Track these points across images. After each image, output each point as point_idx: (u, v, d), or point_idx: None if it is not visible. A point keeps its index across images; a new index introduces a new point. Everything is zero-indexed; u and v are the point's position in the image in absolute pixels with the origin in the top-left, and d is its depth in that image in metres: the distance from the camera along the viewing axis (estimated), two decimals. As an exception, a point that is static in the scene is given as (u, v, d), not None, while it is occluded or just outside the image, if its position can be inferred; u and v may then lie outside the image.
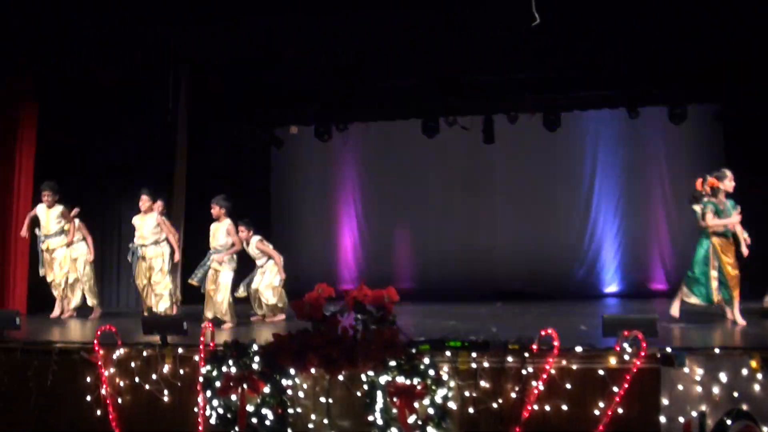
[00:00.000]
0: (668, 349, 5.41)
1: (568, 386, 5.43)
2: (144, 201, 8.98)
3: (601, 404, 5.38)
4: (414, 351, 5.41)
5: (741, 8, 9.51)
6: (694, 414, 5.34)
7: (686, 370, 5.35)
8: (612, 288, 13.10)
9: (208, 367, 5.67)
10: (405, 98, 12.25)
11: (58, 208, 9.19)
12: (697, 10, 9.73)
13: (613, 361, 5.42)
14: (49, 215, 9.15)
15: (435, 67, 11.25)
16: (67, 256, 9.23)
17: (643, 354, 5.34)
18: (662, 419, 5.35)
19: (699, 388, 5.37)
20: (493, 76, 11.67)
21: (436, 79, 11.68)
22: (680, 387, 5.36)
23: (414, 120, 12.69)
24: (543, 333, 5.54)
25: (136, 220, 9.08)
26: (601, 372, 5.42)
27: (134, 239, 9.08)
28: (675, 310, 7.71)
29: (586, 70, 11.42)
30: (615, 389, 5.35)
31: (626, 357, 5.40)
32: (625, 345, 5.46)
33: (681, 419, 5.34)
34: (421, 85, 11.92)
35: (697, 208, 7.82)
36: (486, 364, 5.54)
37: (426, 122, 12.57)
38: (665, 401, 5.36)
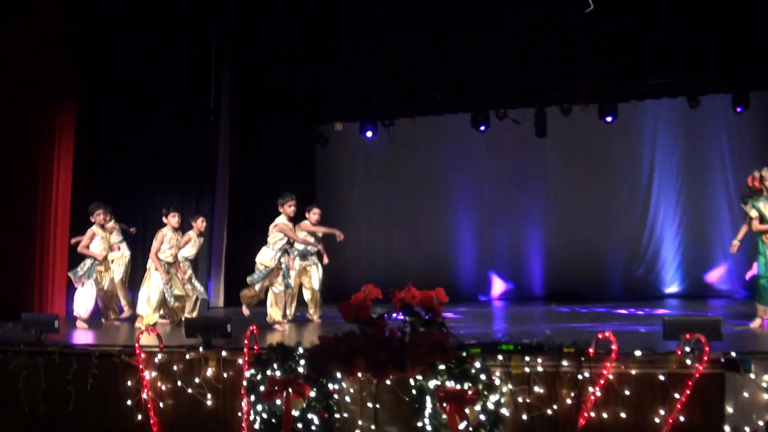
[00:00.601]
0: (733, 354, 5.34)
1: (627, 392, 5.40)
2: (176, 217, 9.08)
3: (662, 412, 5.35)
4: (464, 354, 5.41)
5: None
6: (761, 423, 5.27)
7: (752, 375, 5.27)
8: (673, 288, 13.01)
9: (253, 371, 5.74)
10: (454, 91, 12.32)
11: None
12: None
13: (674, 365, 5.39)
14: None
15: (484, 58, 11.31)
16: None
17: (706, 358, 5.27)
18: (726, 429, 5.28)
19: (766, 396, 5.29)
20: (545, 66, 11.68)
21: (485, 70, 11.74)
22: (746, 394, 5.28)
23: (463, 114, 12.78)
24: (600, 336, 5.51)
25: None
26: (661, 377, 5.38)
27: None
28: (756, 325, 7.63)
29: (643, 57, 11.33)
30: (676, 396, 5.30)
31: (688, 362, 5.35)
32: (687, 349, 5.41)
33: (747, 429, 5.27)
34: (470, 78, 11.97)
35: (747, 209, 7.72)
36: (540, 369, 5.55)
37: (475, 116, 12.63)
38: (730, 409, 5.29)
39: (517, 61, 11.36)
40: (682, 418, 5.31)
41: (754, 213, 7.58)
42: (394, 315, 5.63)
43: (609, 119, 12.15)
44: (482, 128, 12.63)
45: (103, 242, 9.07)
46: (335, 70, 11.95)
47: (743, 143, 12.81)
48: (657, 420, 5.37)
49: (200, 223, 9.43)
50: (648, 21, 10.54)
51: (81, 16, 10.52)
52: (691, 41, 10.77)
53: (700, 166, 13.15)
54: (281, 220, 8.87)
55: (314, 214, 9.45)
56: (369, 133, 13.18)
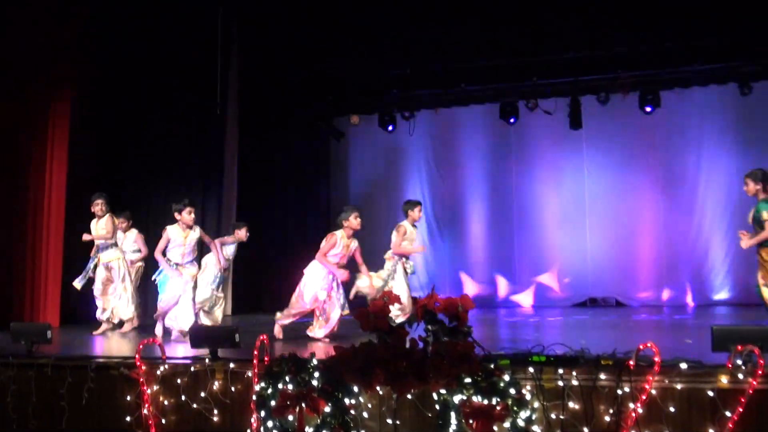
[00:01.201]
0: None
1: (672, 409, 5.32)
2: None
3: (711, 431, 5.26)
4: (492, 366, 5.34)
5: None
6: None
7: None
8: (722, 295, 12.88)
9: (263, 384, 5.67)
10: (480, 80, 12.28)
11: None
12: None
13: (724, 380, 5.28)
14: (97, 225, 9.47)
15: (513, 43, 11.26)
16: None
17: (760, 372, 5.18)
18: None
19: None
20: (579, 52, 11.62)
21: (514, 56, 11.68)
22: None
23: (490, 104, 12.73)
24: (641, 347, 5.44)
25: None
26: (710, 393, 5.28)
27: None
28: None
29: (689, 40, 11.24)
30: (727, 414, 5.21)
31: (740, 376, 5.25)
32: (739, 361, 5.32)
33: None
34: (497, 65, 11.93)
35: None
36: (575, 383, 5.48)
37: (504, 106, 12.60)
38: None
39: (549, 45, 11.30)
40: (733, 438, 5.22)
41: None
42: (416, 324, 5.61)
43: (649, 109, 12.07)
44: (512, 120, 12.59)
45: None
46: (350, 59, 11.95)
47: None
48: (706, 439, 5.30)
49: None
50: None
51: (82, 1, 10.58)
52: (743, 20, 10.61)
53: (753, 161, 12.97)
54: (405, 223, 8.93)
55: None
56: (390, 127, 13.20)
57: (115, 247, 9.50)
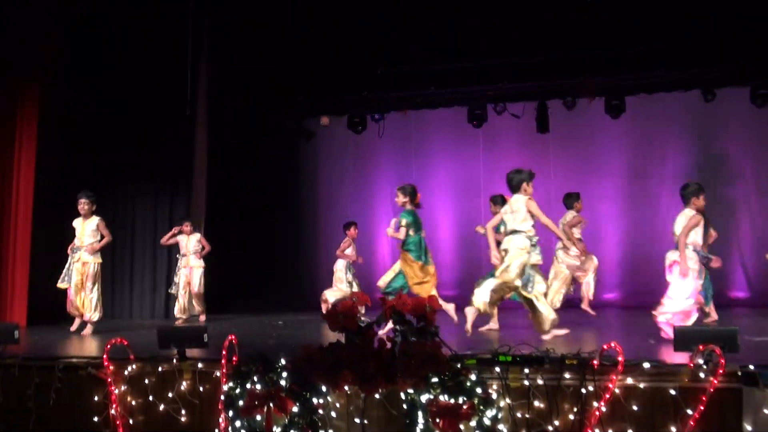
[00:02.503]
0: (751, 367, 5.30)
1: (635, 407, 5.38)
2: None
3: (673, 429, 5.32)
4: (459, 366, 5.37)
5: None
6: None
7: None
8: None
9: (231, 384, 5.65)
10: (449, 83, 12.34)
11: (95, 220, 9.49)
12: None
13: (686, 379, 5.37)
14: (84, 227, 9.37)
15: (482, 47, 11.32)
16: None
17: (721, 372, 5.25)
18: None
19: None
20: (547, 56, 11.70)
21: (483, 61, 11.75)
22: (766, 411, 5.24)
23: (459, 107, 12.79)
24: (605, 347, 5.50)
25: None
26: (672, 392, 5.35)
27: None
28: None
29: (654, 46, 11.36)
30: (689, 412, 5.28)
31: (702, 375, 5.33)
32: (700, 361, 5.39)
33: None
34: (466, 69, 11.99)
35: None
36: (540, 382, 5.52)
37: (472, 110, 12.66)
38: (748, 427, 5.26)
39: (517, 50, 11.37)
40: (695, 436, 5.28)
41: None
42: (384, 324, 5.62)
43: (615, 114, 12.20)
44: (479, 123, 12.65)
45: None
46: (320, 60, 11.93)
47: (765, 140, 12.89)
48: (668, 437, 5.35)
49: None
50: (659, 5, 10.55)
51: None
52: (708, 27, 10.78)
53: (715, 167, 13.20)
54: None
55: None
56: (359, 128, 13.22)
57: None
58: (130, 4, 10.90)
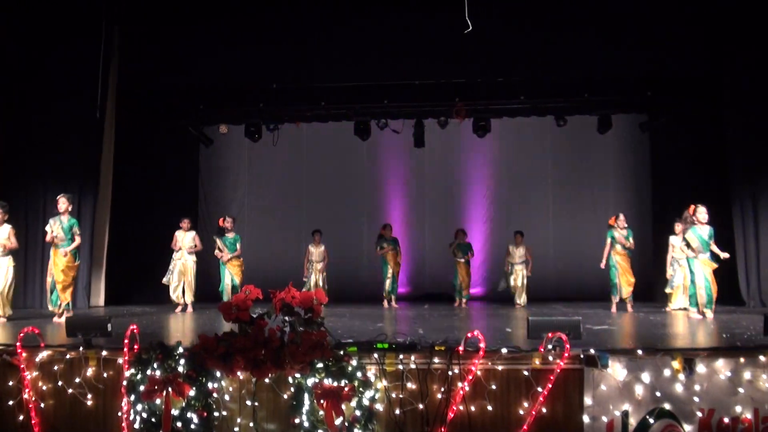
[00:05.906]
0: (592, 351, 5.67)
1: (494, 387, 5.65)
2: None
3: (526, 404, 5.62)
4: (342, 353, 5.53)
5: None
6: (617, 413, 5.63)
7: (610, 370, 5.63)
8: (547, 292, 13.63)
9: (133, 370, 5.66)
10: (337, 100, 12.57)
11: (6, 228, 9.38)
12: (624, 24, 10.74)
13: (537, 362, 5.68)
14: None
15: (368, 69, 11.60)
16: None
17: (566, 355, 5.59)
18: (585, 419, 5.62)
19: (622, 388, 5.67)
20: (424, 80, 12.10)
21: (368, 81, 12.02)
22: (603, 387, 5.63)
23: (346, 122, 13.11)
24: (469, 335, 5.75)
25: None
26: (525, 373, 5.65)
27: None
28: None
29: (514, 78, 12.04)
30: (539, 389, 5.60)
31: (550, 358, 5.65)
32: (550, 346, 5.71)
33: (604, 418, 5.62)
34: (354, 87, 12.24)
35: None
36: (413, 366, 5.70)
37: (358, 124, 12.98)
38: (588, 401, 5.62)
39: (399, 73, 11.69)
40: (544, 410, 5.60)
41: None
42: (274, 316, 5.70)
43: (481, 134, 12.90)
44: (365, 137, 13.06)
45: None
46: (221, 73, 11.91)
47: (607, 161, 14.24)
48: (521, 412, 5.64)
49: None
50: (523, 43, 11.20)
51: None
52: (561, 64, 11.50)
53: (565, 180, 14.42)
54: None
55: None
56: (255, 137, 13.38)
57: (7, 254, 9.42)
58: (47, 10, 10.75)
